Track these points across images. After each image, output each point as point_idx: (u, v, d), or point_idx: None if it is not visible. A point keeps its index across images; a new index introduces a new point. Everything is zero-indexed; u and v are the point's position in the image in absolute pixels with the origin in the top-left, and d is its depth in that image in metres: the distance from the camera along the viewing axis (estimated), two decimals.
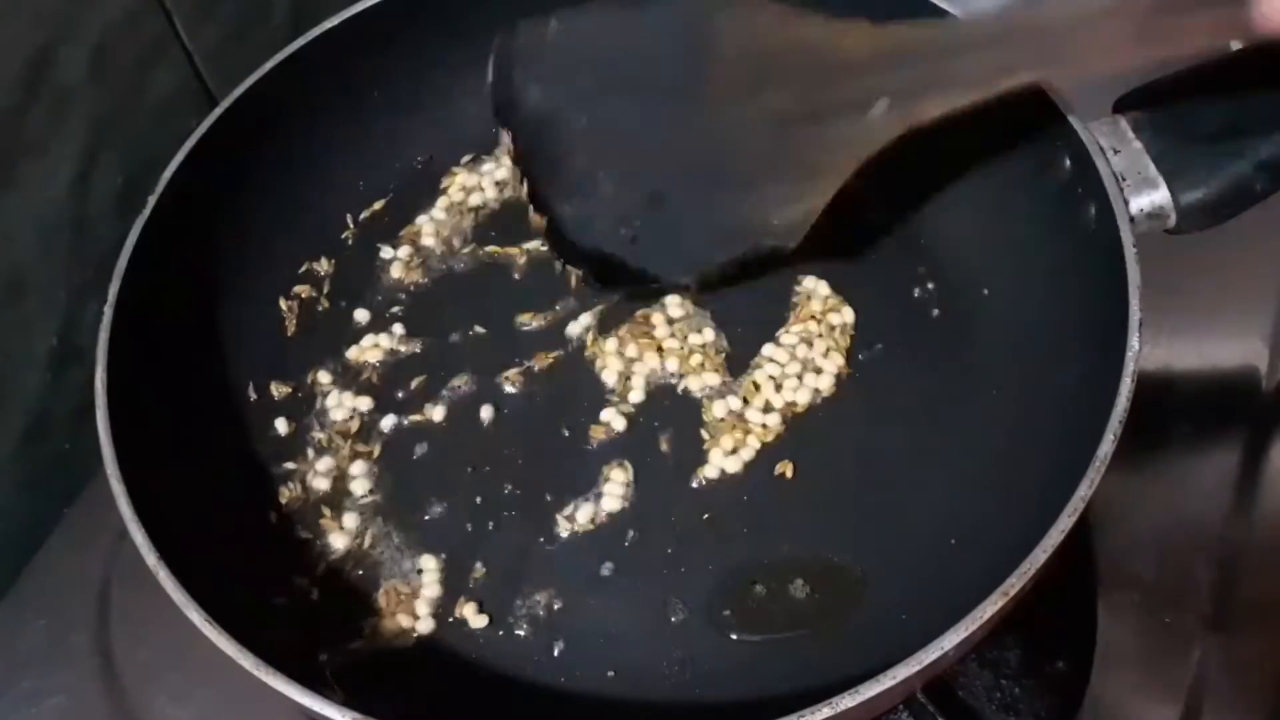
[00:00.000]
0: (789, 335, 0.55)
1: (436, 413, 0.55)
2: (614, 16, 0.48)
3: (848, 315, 0.55)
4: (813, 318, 0.55)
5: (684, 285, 0.53)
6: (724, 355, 0.55)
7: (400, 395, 0.55)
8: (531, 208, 0.50)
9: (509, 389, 0.55)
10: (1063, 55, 0.44)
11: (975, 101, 0.45)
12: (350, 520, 0.52)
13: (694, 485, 0.52)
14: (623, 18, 0.47)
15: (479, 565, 0.50)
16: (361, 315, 0.58)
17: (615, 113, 0.47)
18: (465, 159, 0.62)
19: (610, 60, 0.47)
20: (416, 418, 0.55)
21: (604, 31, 0.47)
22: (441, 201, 0.61)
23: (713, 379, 0.54)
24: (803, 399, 0.53)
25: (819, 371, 0.54)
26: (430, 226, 0.60)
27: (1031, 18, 0.44)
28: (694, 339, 0.55)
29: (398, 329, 0.57)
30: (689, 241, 0.49)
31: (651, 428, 0.53)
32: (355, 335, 0.57)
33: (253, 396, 0.55)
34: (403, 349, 0.57)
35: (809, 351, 0.54)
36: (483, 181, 0.61)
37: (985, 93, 0.45)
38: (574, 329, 0.56)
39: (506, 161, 0.58)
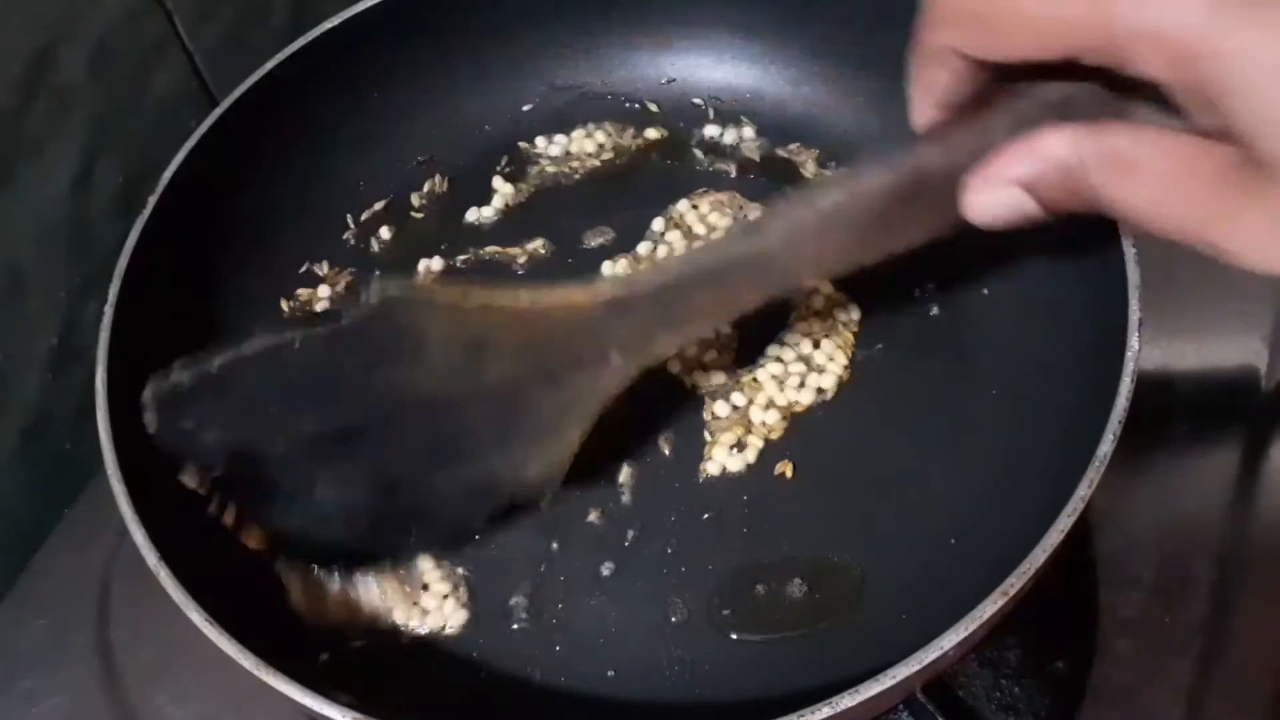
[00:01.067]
0: (793, 334, 0.55)
1: None
2: (289, 346, 0.44)
3: (854, 312, 0.55)
4: (816, 314, 0.55)
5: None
6: (727, 354, 0.55)
7: None
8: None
9: None
10: (786, 274, 0.43)
11: (706, 333, 0.46)
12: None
13: (694, 485, 0.52)
14: (302, 345, 0.44)
15: (479, 565, 0.50)
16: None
17: (317, 428, 0.45)
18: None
19: (297, 385, 0.44)
20: None
21: (282, 360, 0.44)
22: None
23: (716, 377, 0.54)
24: (805, 398, 0.53)
25: (822, 370, 0.54)
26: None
27: (748, 248, 0.42)
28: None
29: None
30: (441, 515, 0.48)
31: (652, 427, 0.53)
32: None
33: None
34: None
35: (813, 350, 0.54)
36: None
37: (715, 324, 0.47)
38: None
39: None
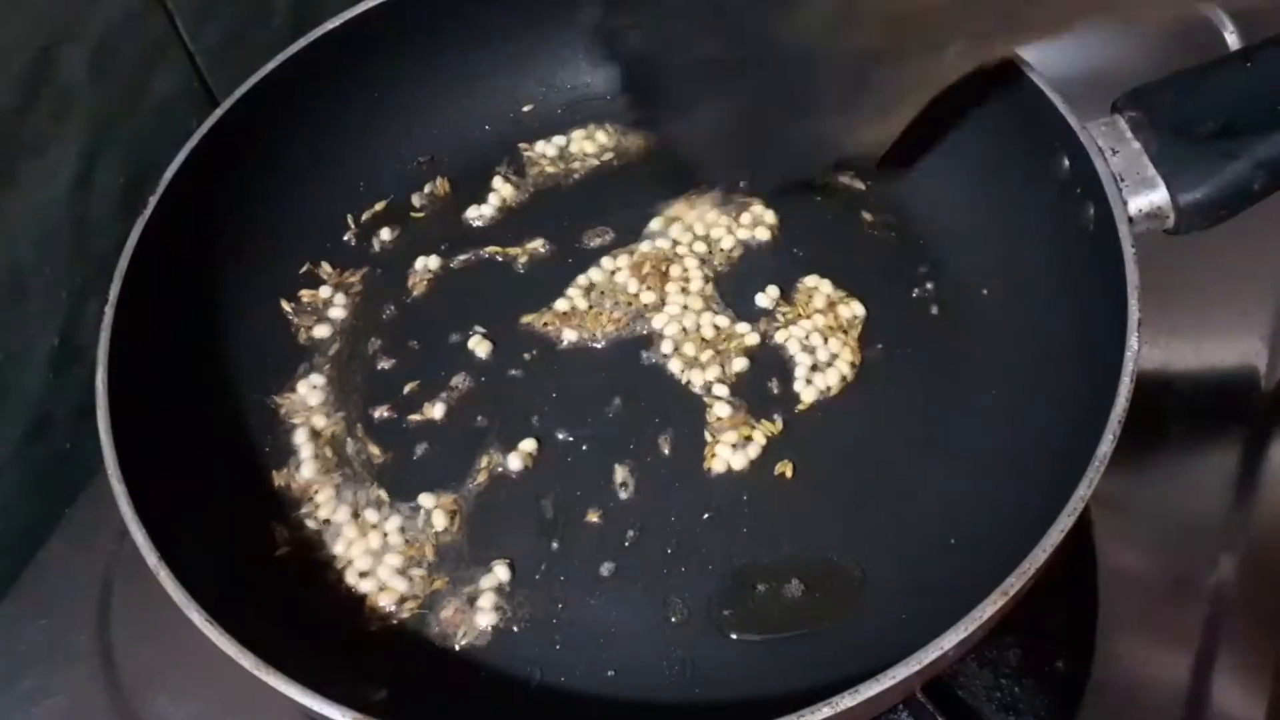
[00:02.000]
0: (797, 330, 0.55)
1: (436, 412, 0.55)
2: None
3: (857, 309, 0.56)
4: (818, 312, 0.55)
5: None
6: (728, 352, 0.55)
7: (400, 395, 0.55)
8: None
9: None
10: None
11: (1041, 40, 0.48)
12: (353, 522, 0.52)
13: (694, 485, 0.52)
14: None
15: (479, 565, 0.50)
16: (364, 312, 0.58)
17: (708, 49, 0.50)
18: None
19: (704, 7, 0.50)
20: (416, 417, 0.55)
21: None
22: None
23: (715, 373, 0.54)
24: (809, 396, 0.53)
25: (828, 368, 0.54)
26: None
27: None
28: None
29: (399, 329, 0.57)
30: (778, 148, 0.53)
31: (653, 426, 0.53)
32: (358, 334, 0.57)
33: (254, 395, 0.55)
34: (403, 349, 0.57)
35: (816, 347, 0.55)
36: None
37: (1056, 34, 0.48)
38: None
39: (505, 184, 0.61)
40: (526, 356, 0.56)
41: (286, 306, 0.58)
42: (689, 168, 0.56)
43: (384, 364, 0.56)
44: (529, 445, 0.53)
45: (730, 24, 0.49)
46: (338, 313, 0.58)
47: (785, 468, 0.52)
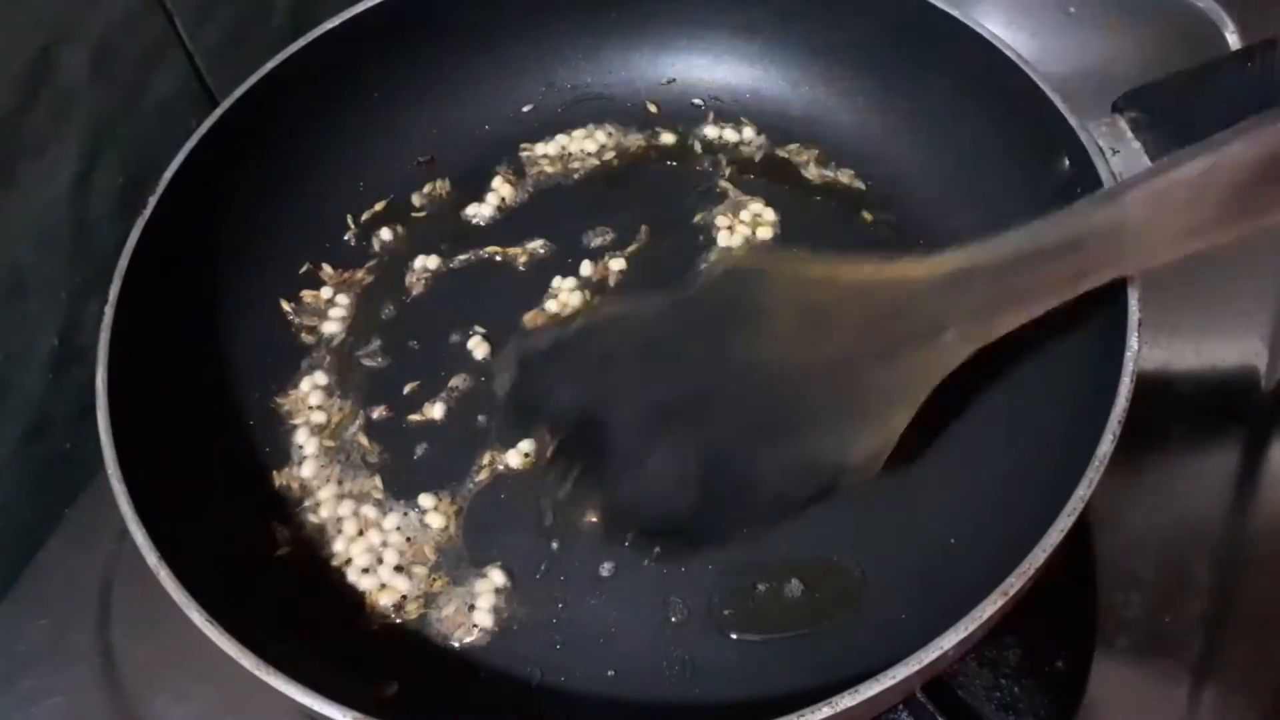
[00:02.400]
0: None
1: (436, 412, 0.55)
2: (638, 311, 0.46)
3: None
4: None
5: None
6: None
7: (400, 395, 0.55)
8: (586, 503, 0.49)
9: None
10: (1142, 250, 0.41)
11: (1045, 309, 0.43)
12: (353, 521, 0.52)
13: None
14: (650, 311, 0.46)
15: (479, 565, 0.50)
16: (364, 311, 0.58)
17: (658, 396, 0.46)
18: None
19: (643, 350, 0.46)
20: (416, 417, 0.55)
21: (630, 326, 0.46)
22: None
23: None
24: None
25: None
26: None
27: (1105, 217, 0.41)
28: None
29: (399, 329, 0.57)
30: (763, 492, 0.47)
31: None
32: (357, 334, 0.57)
33: (254, 395, 0.55)
34: (403, 349, 0.57)
35: None
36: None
37: (1061, 299, 0.43)
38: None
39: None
40: None
41: (286, 306, 0.58)
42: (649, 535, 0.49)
43: (384, 363, 0.56)
44: (528, 445, 0.53)
45: (678, 358, 0.45)
46: (338, 313, 0.58)
47: None
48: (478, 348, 0.56)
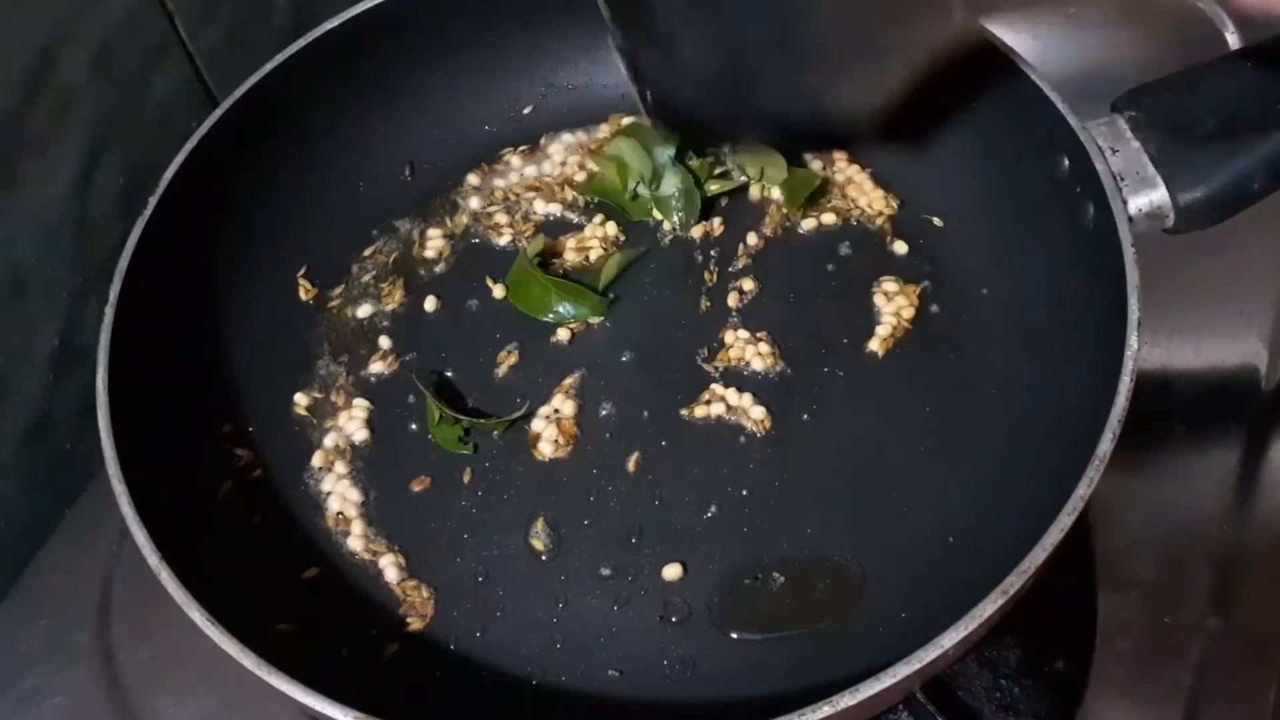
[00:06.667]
0: None
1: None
2: None
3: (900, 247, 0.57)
4: None
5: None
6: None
7: (405, 393, 0.55)
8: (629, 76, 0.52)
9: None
10: None
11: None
12: (353, 522, 0.52)
13: (694, 484, 0.52)
14: None
15: (480, 566, 0.50)
16: (364, 312, 0.58)
17: None
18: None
19: None
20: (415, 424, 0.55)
21: None
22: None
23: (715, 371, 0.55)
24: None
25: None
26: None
27: None
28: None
29: (403, 327, 0.58)
30: (769, 102, 0.50)
31: (651, 427, 0.53)
32: (356, 336, 0.57)
33: (254, 394, 0.55)
34: (408, 346, 0.57)
35: None
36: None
37: None
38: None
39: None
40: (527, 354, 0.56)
41: (287, 306, 0.58)
42: (675, 120, 0.54)
43: (390, 361, 0.56)
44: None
45: None
46: (340, 311, 0.58)
47: (785, 467, 0.52)
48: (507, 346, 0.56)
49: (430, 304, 0.58)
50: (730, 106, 0.51)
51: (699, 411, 0.54)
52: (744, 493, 0.51)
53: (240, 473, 0.53)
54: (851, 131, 0.52)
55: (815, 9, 0.47)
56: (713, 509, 0.51)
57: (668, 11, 0.48)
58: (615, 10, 0.49)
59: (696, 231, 0.59)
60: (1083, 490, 0.41)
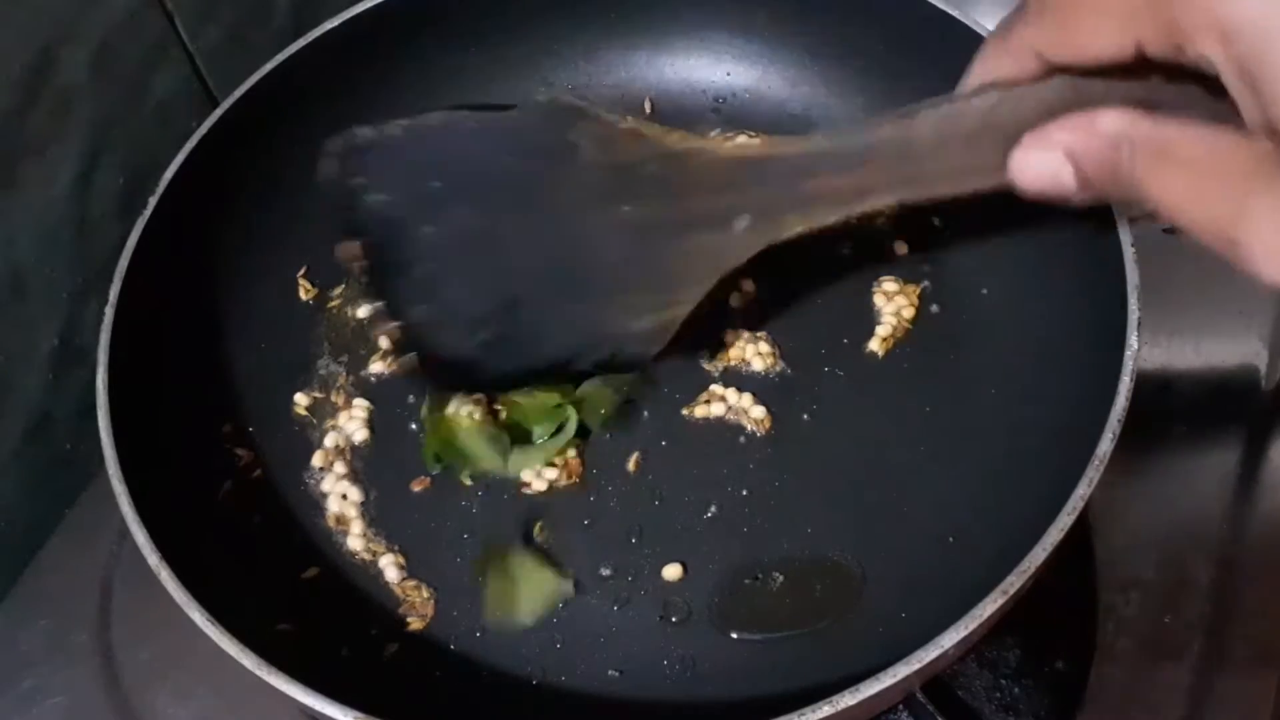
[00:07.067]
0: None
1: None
2: (463, 125, 0.46)
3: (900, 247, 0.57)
4: None
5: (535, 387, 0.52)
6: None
7: (405, 393, 0.55)
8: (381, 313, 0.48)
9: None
10: (926, 178, 0.42)
11: (834, 222, 0.44)
12: (353, 522, 0.52)
13: (694, 484, 0.52)
14: (473, 127, 0.46)
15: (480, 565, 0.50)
16: (364, 312, 0.58)
17: (465, 220, 0.46)
18: None
19: (460, 167, 0.46)
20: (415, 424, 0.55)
21: (452, 140, 0.46)
22: None
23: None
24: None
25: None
26: None
27: (895, 138, 0.42)
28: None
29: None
30: (546, 347, 0.48)
31: (651, 427, 0.53)
32: (356, 336, 0.57)
33: (255, 394, 0.55)
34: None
35: None
36: None
37: (844, 214, 0.44)
38: None
39: None
40: None
41: (287, 306, 0.58)
42: (444, 375, 0.50)
43: (390, 361, 0.56)
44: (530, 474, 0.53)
45: (488, 185, 0.46)
46: (340, 311, 0.58)
47: (785, 467, 0.52)
48: None
49: None
50: (509, 350, 0.48)
51: (699, 411, 0.54)
52: (744, 493, 0.51)
53: (240, 473, 0.53)
54: (637, 364, 0.49)
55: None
56: (713, 509, 0.51)
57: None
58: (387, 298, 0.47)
59: None
60: (1083, 490, 0.41)
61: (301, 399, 0.55)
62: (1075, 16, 0.36)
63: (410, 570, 0.51)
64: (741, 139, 0.48)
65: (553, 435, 0.52)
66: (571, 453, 0.52)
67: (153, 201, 0.52)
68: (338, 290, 0.59)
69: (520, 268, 0.47)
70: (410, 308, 0.47)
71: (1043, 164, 0.38)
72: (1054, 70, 0.38)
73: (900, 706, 0.46)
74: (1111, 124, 0.36)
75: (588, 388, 0.51)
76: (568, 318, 0.47)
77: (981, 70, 0.40)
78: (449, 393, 0.52)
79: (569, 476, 0.52)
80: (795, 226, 0.45)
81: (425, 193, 0.46)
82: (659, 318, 0.47)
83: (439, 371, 0.49)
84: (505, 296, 0.47)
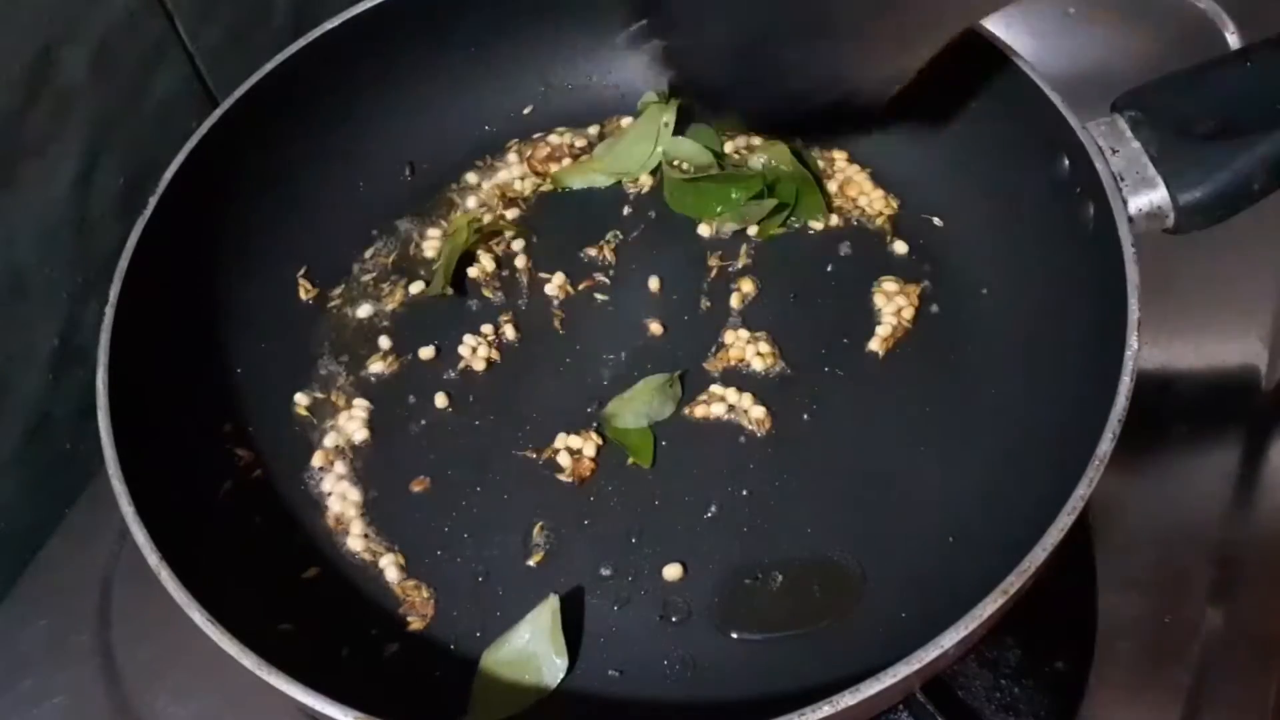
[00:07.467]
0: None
1: (440, 405, 0.55)
2: None
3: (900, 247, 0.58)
4: None
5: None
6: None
7: (405, 393, 0.55)
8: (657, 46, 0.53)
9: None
10: None
11: None
12: (353, 522, 0.52)
13: (694, 484, 0.52)
14: None
15: (480, 566, 0.50)
16: (364, 312, 0.58)
17: None
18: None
19: None
20: (421, 417, 0.55)
21: None
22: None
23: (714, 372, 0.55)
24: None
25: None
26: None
27: None
28: None
29: (404, 325, 0.58)
30: (791, 81, 0.51)
31: (650, 428, 0.53)
32: (356, 336, 0.57)
33: (255, 394, 0.55)
34: (408, 345, 0.57)
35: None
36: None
37: None
38: None
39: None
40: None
41: (287, 306, 0.58)
42: (699, 97, 0.55)
43: (390, 361, 0.56)
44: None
45: None
46: (340, 311, 0.58)
47: (785, 467, 0.52)
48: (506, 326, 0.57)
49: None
50: (756, 80, 0.52)
51: (699, 411, 0.54)
52: (744, 493, 0.51)
53: (240, 473, 0.53)
54: (869, 112, 0.52)
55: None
56: (713, 509, 0.51)
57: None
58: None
59: (704, 230, 0.59)
60: (1083, 490, 0.41)
61: (301, 399, 0.55)
62: None
63: (410, 570, 0.51)
64: None
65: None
66: (590, 451, 0.52)
67: (153, 201, 0.52)
68: (338, 290, 0.59)
69: (773, 9, 0.49)
70: (672, 32, 0.52)
71: None
72: None
73: (900, 706, 0.46)
74: None
75: (631, 431, 0.53)
76: (811, 57, 0.50)
77: None
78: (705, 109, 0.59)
79: (578, 477, 0.52)
80: None
81: None
82: (893, 66, 0.49)
83: (693, 90, 0.55)
84: (758, 34, 0.49)
